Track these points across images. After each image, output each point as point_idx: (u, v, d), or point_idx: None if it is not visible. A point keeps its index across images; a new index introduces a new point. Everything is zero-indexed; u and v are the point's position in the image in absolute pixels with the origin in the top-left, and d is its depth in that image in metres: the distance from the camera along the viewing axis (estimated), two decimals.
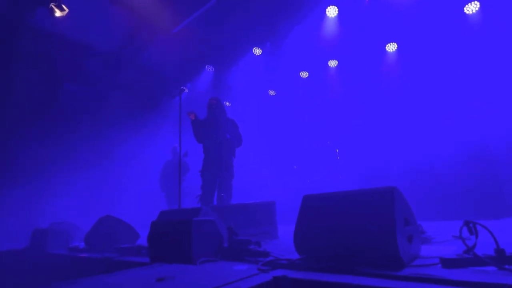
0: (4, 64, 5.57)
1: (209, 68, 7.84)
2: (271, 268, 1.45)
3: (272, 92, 8.28)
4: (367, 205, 1.52)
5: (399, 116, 5.78)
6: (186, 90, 8.04)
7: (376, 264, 1.36)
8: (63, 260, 2.88)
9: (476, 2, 5.24)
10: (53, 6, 5.33)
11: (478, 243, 1.39)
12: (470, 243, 1.37)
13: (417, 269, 1.29)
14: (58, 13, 5.39)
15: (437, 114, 5.26)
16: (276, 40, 6.89)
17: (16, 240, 4.06)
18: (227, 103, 8.67)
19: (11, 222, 4.99)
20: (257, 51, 7.21)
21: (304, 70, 7.60)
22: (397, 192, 1.53)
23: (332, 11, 6.12)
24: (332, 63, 7.22)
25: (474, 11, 5.29)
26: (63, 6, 5.33)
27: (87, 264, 2.59)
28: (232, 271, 1.25)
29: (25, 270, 3.17)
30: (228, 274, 1.17)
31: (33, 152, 5.80)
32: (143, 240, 3.05)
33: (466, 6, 5.31)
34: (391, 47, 6.40)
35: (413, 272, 1.20)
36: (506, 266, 1.16)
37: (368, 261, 1.39)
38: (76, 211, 5.59)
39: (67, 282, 1.29)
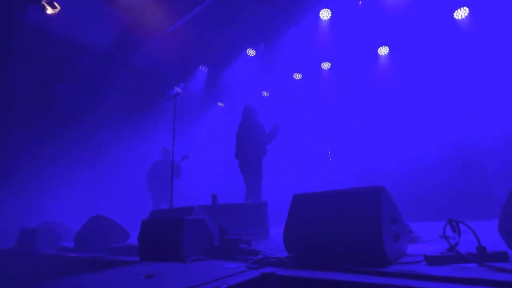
0: None
1: (203, 69, 7.83)
2: (260, 266, 1.46)
3: (265, 93, 8.31)
4: (355, 204, 1.55)
5: (390, 118, 5.86)
6: (180, 90, 8.02)
7: (363, 261, 1.39)
8: (51, 260, 2.84)
9: (465, 8, 5.36)
10: (44, 3, 5.27)
11: (462, 241, 1.43)
12: (455, 242, 1.41)
13: (402, 266, 1.32)
14: (49, 11, 5.33)
15: (427, 116, 5.36)
16: (270, 41, 6.92)
17: (8, 240, 3.99)
18: (220, 104, 8.68)
19: (3, 222, 4.91)
20: (251, 52, 7.23)
21: (298, 71, 7.65)
22: (384, 192, 1.56)
23: (325, 14, 6.18)
24: (325, 65, 7.29)
25: (463, 16, 5.41)
26: (55, 3, 5.29)
27: (76, 263, 2.57)
28: (221, 269, 1.26)
29: (13, 270, 3.13)
30: (217, 271, 1.18)
31: (25, 152, 5.73)
32: (134, 240, 3.04)
33: (456, 11, 5.43)
34: (383, 50, 6.50)
35: (398, 269, 1.23)
36: (487, 263, 1.20)
37: (355, 259, 1.42)
38: (68, 211, 5.53)
39: (55, 280, 1.28)
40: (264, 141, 4.40)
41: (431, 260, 1.34)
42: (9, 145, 5.56)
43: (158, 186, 5.88)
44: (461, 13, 5.41)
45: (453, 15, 5.46)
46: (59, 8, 5.35)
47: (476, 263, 1.23)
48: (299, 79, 7.72)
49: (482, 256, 1.28)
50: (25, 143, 5.74)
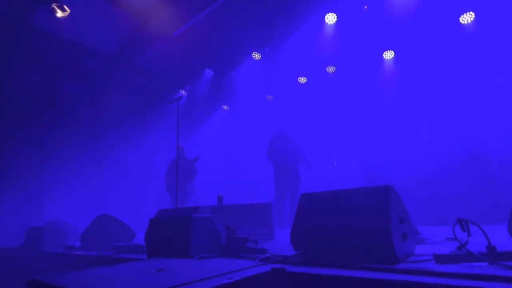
0: (2, 63, 5.58)
1: (208, 71, 7.90)
2: (269, 263, 1.47)
3: (270, 97, 8.35)
4: (363, 202, 1.56)
5: (396, 122, 5.85)
6: (185, 93, 8.09)
7: (372, 259, 1.39)
8: (59, 258, 2.87)
9: (471, 12, 5.37)
10: (55, 6, 5.39)
11: (471, 242, 1.43)
12: (463, 242, 1.41)
13: (411, 264, 1.32)
14: (59, 14, 5.46)
15: (433, 120, 5.34)
16: (275, 45, 6.97)
17: (12, 239, 4.04)
18: (225, 107, 8.74)
19: (7, 222, 4.96)
20: (256, 55, 7.29)
21: (303, 75, 7.68)
22: (392, 191, 1.57)
23: (331, 18, 6.22)
24: (330, 69, 7.32)
25: (469, 21, 5.42)
26: (65, 6, 5.40)
27: (84, 261, 2.59)
28: (231, 264, 1.28)
29: (21, 268, 3.15)
30: (227, 266, 1.19)
31: (30, 151, 5.79)
32: (139, 239, 3.06)
33: (462, 16, 5.44)
34: (388, 55, 6.51)
35: (407, 266, 1.24)
36: (497, 262, 1.20)
37: (363, 257, 1.42)
38: (72, 211, 5.57)
39: (67, 272, 1.30)
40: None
41: (441, 258, 1.34)
42: (13, 144, 5.63)
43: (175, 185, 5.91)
44: (467, 18, 5.42)
45: (459, 20, 5.46)
46: (68, 11, 5.47)
47: (487, 262, 1.23)
48: (304, 82, 7.75)
49: (492, 255, 1.28)
50: (29, 142, 5.81)
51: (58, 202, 5.73)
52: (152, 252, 2.08)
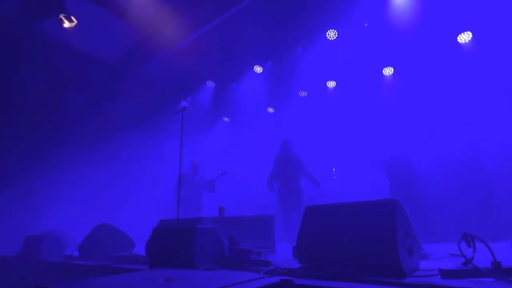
0: (9, 70, 5.65)
1: (210, 84, 7.99)
2: (274, 276, 1.46)
3: (271, 110, 8.43)
4: (369, 216, 1.57)
5: (394, 136, 5.90)
6: (187, 104, 8.15)
7: (377, 273, 1.39)
8: (58, 267, 2.83)
9: (468, 32, 5.52)
10: (62, 17, 5.50)
11: (474, 258, 1.43)
12: (469, 257, 1.42)
13: (417, 279, 1.33)
14: (66, 24, 5.55)
15: (432, 137, 5.40)
16: (277, 59, 7.10)
17: (9, 248, 3.97)
18: (226, 119, 8.80)
19: (4, 229, 4.90)
20: (258, 69, 7.40)
21: (303, 89, 7.78)
22: (398, 205, 1.59)
23: (332, 34, 6.37)
24: (331, 84, 7.43)
25: (466, 40, 5.56)
26: (72, 17, 5.51)
27: (83, 271, 2.55)
28: (238, 275, 1.27)
29: (18, 277, 3.10)
30: (234, 277, 1.19)
31: (30, 159, 5.78)
32: (139, 250, 3.03)
33: (459, 35, 5.59)
34: (388, 71, 6.64)
35: (413, 281, 1.24)
36: (504, 278, 1.21)
37: (369, 271, 1.42)
38: (71, 220, 5.51)
39: (73, 281, 1.29)
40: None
41: (446, 273, 1.34)
42: (14, 151, 5.62)
43: (188, 198, 5.94)
44: (464, 37, 5.56)
45: (457, 39, 5.61)
46: (76, 22, 5.57)
47: (493, 277, 1.23)
48: (305, 96, 7.85)
49: (498, 270, 1.29)
50: (30, 150, 5.80)
51: (57, 210, 5.68)
52: (154, 262, 2.06)
